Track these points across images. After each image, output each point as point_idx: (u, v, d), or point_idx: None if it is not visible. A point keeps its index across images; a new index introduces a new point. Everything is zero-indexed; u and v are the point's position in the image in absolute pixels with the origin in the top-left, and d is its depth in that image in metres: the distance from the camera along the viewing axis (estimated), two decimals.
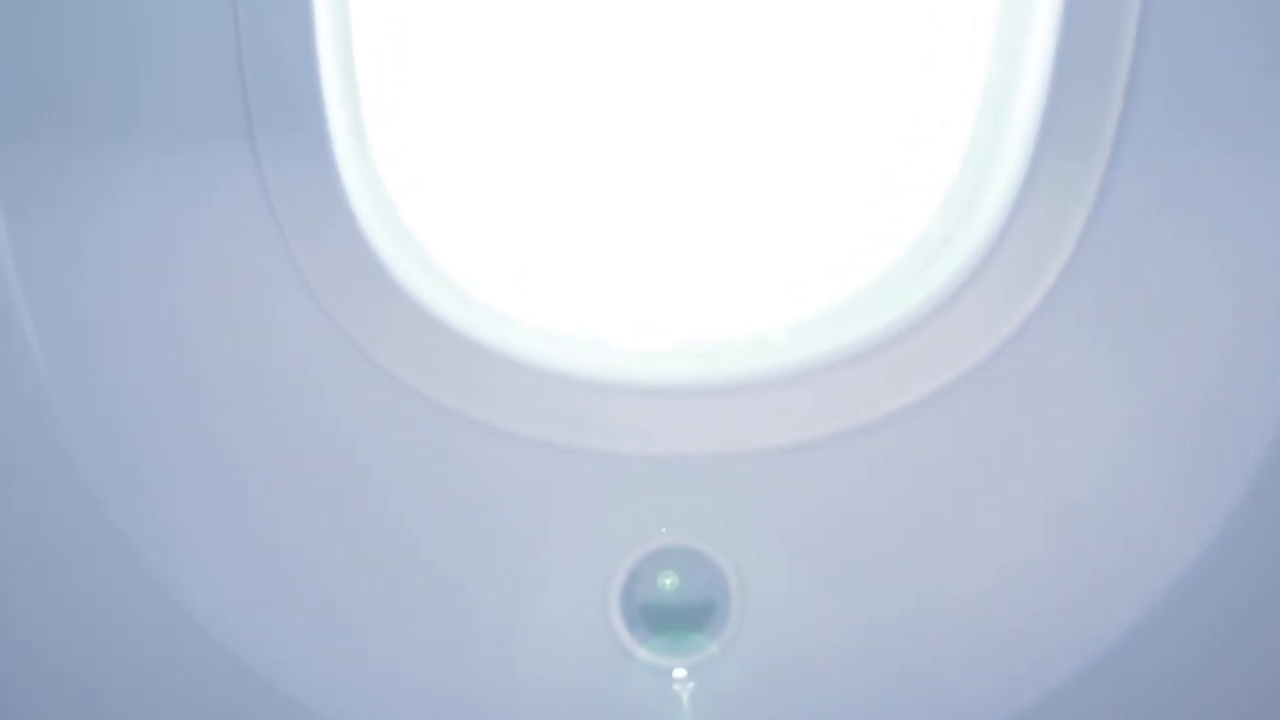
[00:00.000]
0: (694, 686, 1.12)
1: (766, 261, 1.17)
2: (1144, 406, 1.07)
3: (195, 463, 1.08)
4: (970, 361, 1.07)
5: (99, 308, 1.05)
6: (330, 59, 1.02)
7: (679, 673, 1.12)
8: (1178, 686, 1.10)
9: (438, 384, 1.07)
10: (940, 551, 1.11)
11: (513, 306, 1.13)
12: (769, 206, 1.15)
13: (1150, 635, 1.08)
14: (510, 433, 1.09)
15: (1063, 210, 1.03)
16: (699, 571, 1.12)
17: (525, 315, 1.13)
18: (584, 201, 1.15)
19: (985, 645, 1.11)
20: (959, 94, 1.10)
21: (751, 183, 1.15)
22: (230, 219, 1.03)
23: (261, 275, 1.04)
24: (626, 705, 1.12)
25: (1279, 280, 1.04)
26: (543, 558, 1.11)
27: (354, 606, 1.11)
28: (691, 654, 1.12)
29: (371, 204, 1.07)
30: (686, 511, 1.12)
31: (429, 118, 1.13)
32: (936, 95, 1.12)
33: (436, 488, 1.10)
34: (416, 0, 1.11)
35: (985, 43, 1.08)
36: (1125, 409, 1.08)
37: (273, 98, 1.00)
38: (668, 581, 1.11)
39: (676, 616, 1.12)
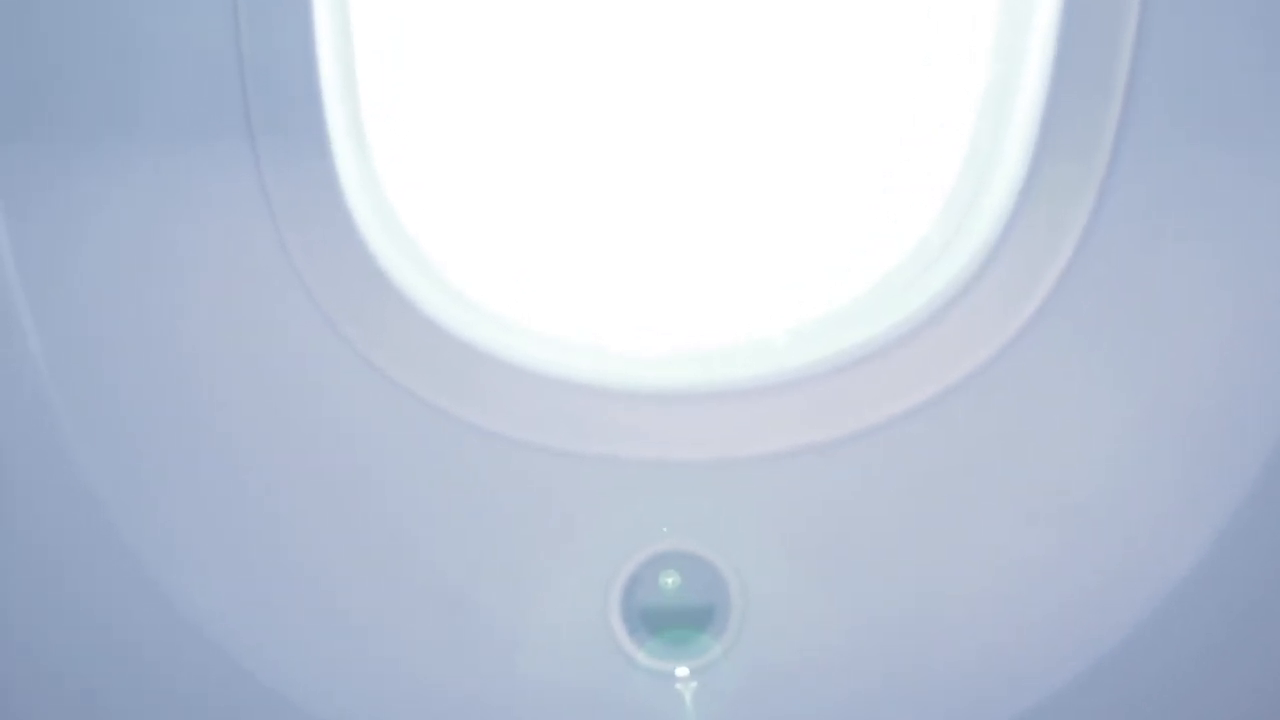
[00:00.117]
0: (695, 689, 1.12)
1: (766, 266, 1.17)
2: (1144, 410, 1.07)
3: (193, 463, 1.08)
4: (970, 366, 1.07)
5: (98, 307, 1.05)
6: (330, 60, 1.02)
7: (681, 672, 1.11)
8: (1177, 688, 1.10)
9: (436, 387, 1.07)
10: (940, 555, 1.11)
11: (511, 310, 1.14)
12: (769, 211, 1.15)
13: (1150, 638, 1.08)
14: (509, 437, 1.09)
15: (1062, 214, 1.03)
16: (699, 575, 1.12)
17: (524, 319, 1.14)
18: (583, 205, 1.15)
19: (985, 649, 1.11)
20: (958, 98, 1.10)
21: (751, 188, 1.15)
22: (228, 219, 1.03)
23: (259, 276, 1.04)
24: (626, 709, 1.12)
25: (1277, 282, 1.04)
26: (542, 562, 1.11)
27: (352, 609, 1.11)
28: (692, 657, 1.12)
29: (370, 206, 1.07)
30: (686, 516, 1.12)
31: (428, 119, 1.13)
32: (935, 99, 1.12)
33: (435, 491, 1.10)
34: (416, 1, 1.11)
35: (984, 46, 1.08)
36: (1125, 412, 1.08)
37: (272, 98, 1.00)
38: (670, 582, 1.11)
39: (677, 620, 1.12)
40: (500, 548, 1.11)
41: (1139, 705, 1.10)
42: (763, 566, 1.11)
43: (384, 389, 1.07)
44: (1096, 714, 1.11)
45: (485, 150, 1.14)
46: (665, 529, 1.11)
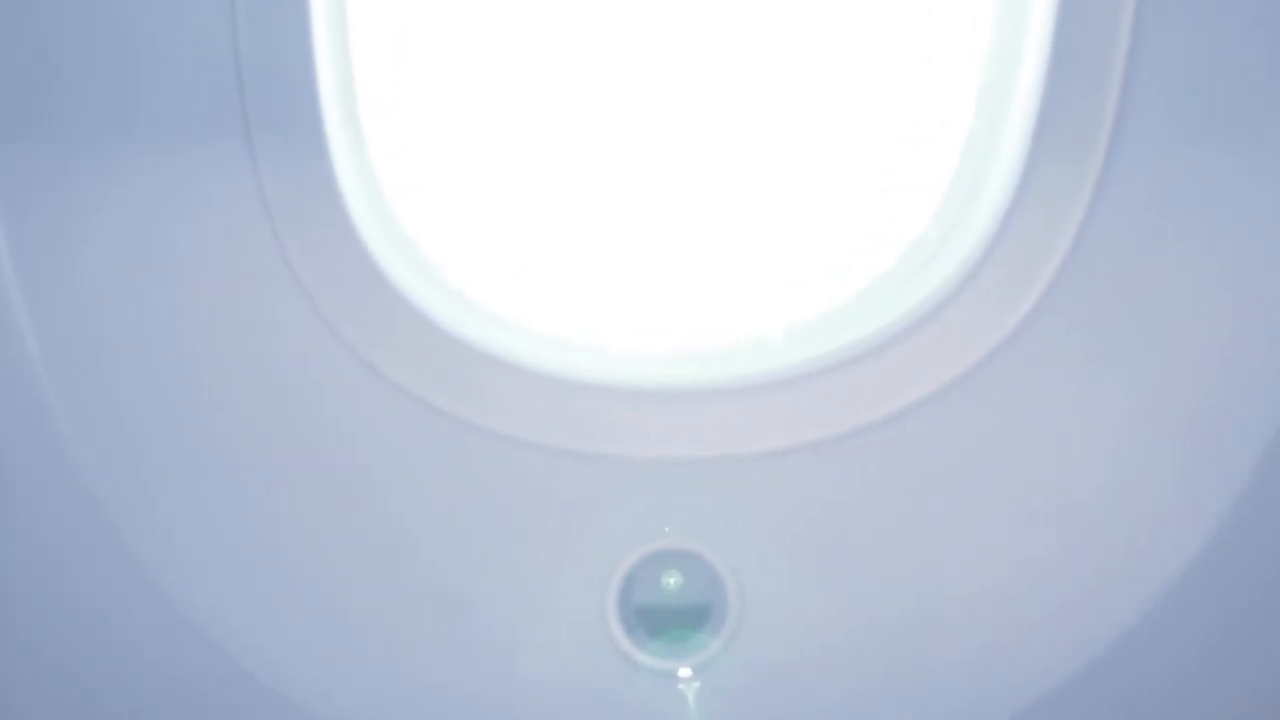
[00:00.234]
0: (692, 689, 1.12)
1: (764, 265, 1.17)
2: (1140, 408, 1.07)
3: (193, 463, 1.08)
4: (966, 364, 1.07)
5: (96, 308, 1.05)
6: (327, 60, 1.03)
7: (679, 671, 1.12)
8: (1175, 686, 1.10)
9: (434, 387, 1.08)
10: (938, 553, 1.11)
11: (508, 309, 1.14)
12: (766, 211, 1.15)
13: (1147, 636, 1.08)
14: (507, 436, 1.09)
15: (1058, 213, 1.03)
16: (697, 574, 1.12)
17: (521, 318, 1.14)
18: (582, 205, 1.15)
19: (982, 647, 1.11)
20: (954, 98, 1.10)
21: (748, 187, 1.15)
22: (226, 220, 1.03)
23: (257, 276, 1.04)
24: (623, 708, 1.12)
25: (1275, 280, 1.04)
26: (540, 561, 1.11)
27: (352, 608, 1.11)
28: (690, 656, 1.12)
29: (368, 206, 1.07)
30: (684, 514, 1.12)
31: (426, 119, 1.13)
32: (932, 99, 1.12)
33: (433, 490, 1.10)
34: (415, 0, 1.11)
35: (980, 46, 1.08)
36: (1122, 410, 1.08)
37: (269, 98, 1.00)
38: (667, 581, 1.11)
39: (674, 619, 1.12)
40: (497, 547, 1.11)
41: (1136, 703, 1.10)
42: (760, 565, 1.11)
43: (382, 389, 1.07)
44: (1095, 712, 1.11)
45: (484, 150, 1.14)
46: (667, 529, 1.11)
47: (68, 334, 1.05)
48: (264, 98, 1.00)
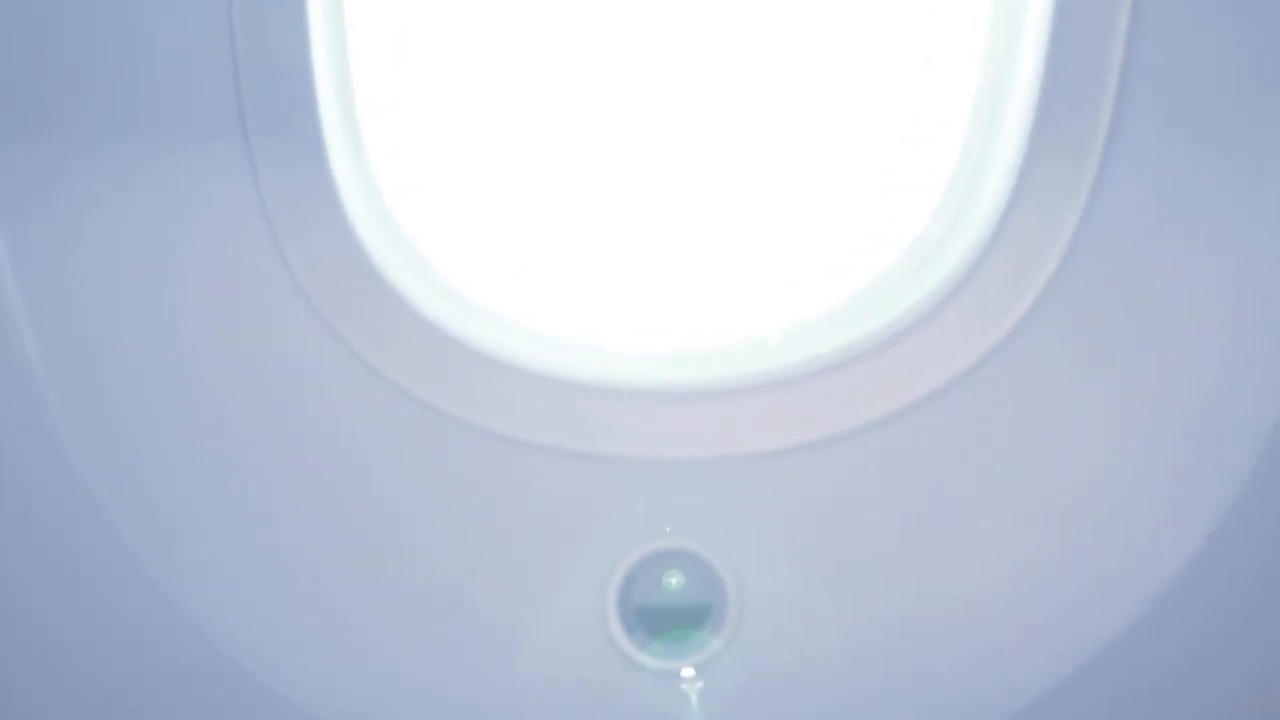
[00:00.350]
0: (692, 688, 1.12)
1: (763, 265, 1.17)
2: (1137, 408, 1.08)
3: (192, 463, 1.08)
4: (964, 363, 1.07)
5: (95, 309, 1.05)
6: (324, 62, 1.03)
7: (678, 671, 1.12)
8: (1172, 685, 1.10)
9: (432, 387, 1.08)
10: (937, 553, 1.11)
11: (508, 310, 1.14)
12: (765, 212, 1.16)
13: (1144, 636, 1.08)
14: (506, 436, 1.09)
15: (1055, 214, 1.03)
16: (697, 574, 1.12)
17: (520, 319, 1.14)
18: (580, 206, 1.16)
19: (981, 647, 1.11)
20: (951, 100, 1.11)
21: (747, 189, 1.15)
22: (224, 221, 1.03)
23: (256, 277, 1.04)
24: (623, 707, 1.12)
25: (1271, 282, 1.04)
26: (539, 561, 1.11)
27: (351, 608, 1.11)
28: (689, 656, 1.12)
29: (366, 207, 1.07)
30: (683, 514, 1.12)
31: (424, 120, 1.13)
32: (929, 101, 1.12)
33: (432, 491, 1.10)
34: (413, 2, 1.11)
35: (977, 49, 1.08)
36: (1119, 410, 1.08)
37: (267, 101, 1.00)
38: (671, 582, 1.12)
39: (674, 619, 1.12)
40: (497, 547, 1.11)
41: (1134, 703, 1.11)
42: (759, 565, 1.12)
43: (381, 389, 1.07)
44: (1093, 711, 1.11)
45: (482, 151, 1.14)
46: (668, 529, 1.11)
47: (67, 335, 1.05)
48: (262, 99, 1.00)
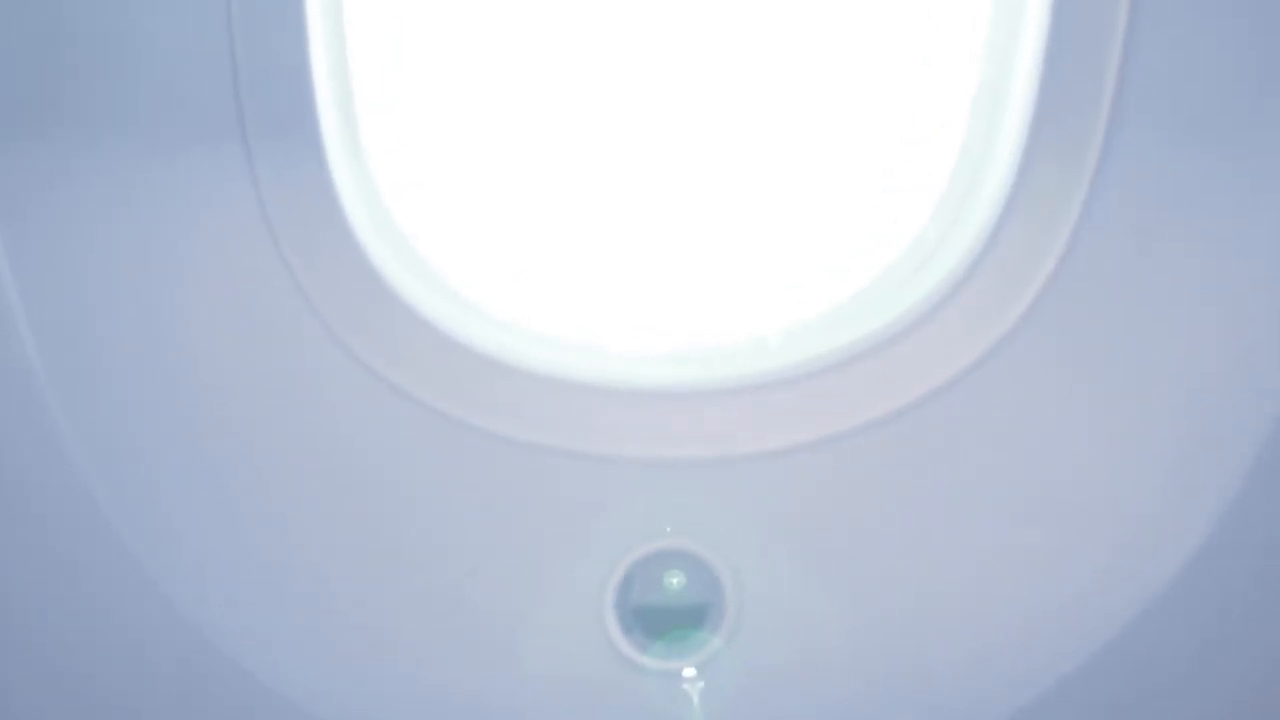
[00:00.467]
0: (690, 688, 1.12)
1: (762, 265, 1.17)
2: (1136, 407, 1.08)
3: (191, 464, 1.08)
4: (963, 363, 1.07)
5: (95, 311, 1.05)
6: (323, 62, 1.03)
7: (677, 671, 1.12)
8: (1170, 684, 1.11)
9: (431, 388, 1.08)
10: (935, 552, 1.11)
11: (507, 310, 1.14)
12: (764, 212, 1.16)
13: (1142, 635, 1.09)
14: (505, 437, 1.09)
15: (1052, 214, 1.03)
16: (695, 574, 1.12)
17: (520, 319, 1.14)
18: (579, 206, 1.15)
19: (980, 646, 1.12)
20: (949, 101, 1.11)
21: (746, 189, 1.15)
22: (224, 223, 1.03)
23: (255, 279, 1.05)
24: (621, 707, 1.13)
25: (1266, 282, 1.05)
26: (538, 561, 1.11)
27: (350, 609, 1.12)
28: (688, 657, 1.12)
29: (365, 209, 1.07)
30: (682, 514, 1.12)
31: (424, 122, 1.13)
32: (927, 103, 1.12)
33: (431, 491, 1.11)
34: (412, 3, 1.11)
35: (974, 52, 1.08)
36: (1117, 409, 1.08)
37: (266, 102, 1.00)
38: (670, 582, 1.12)
39: (673, 619, 1.12)
40: (496, 547, 1.11)
41: (1133, 702, 1.11)
42: (758, 565, 1.12)
43: (380, 390, 1.07)
44: (1092, 710, 1.11)
45: (481, 151, 1.14)
46: (668, 529, 1.11)
47: (67, 336, 1.05)
48: (261, 101, 1.00)
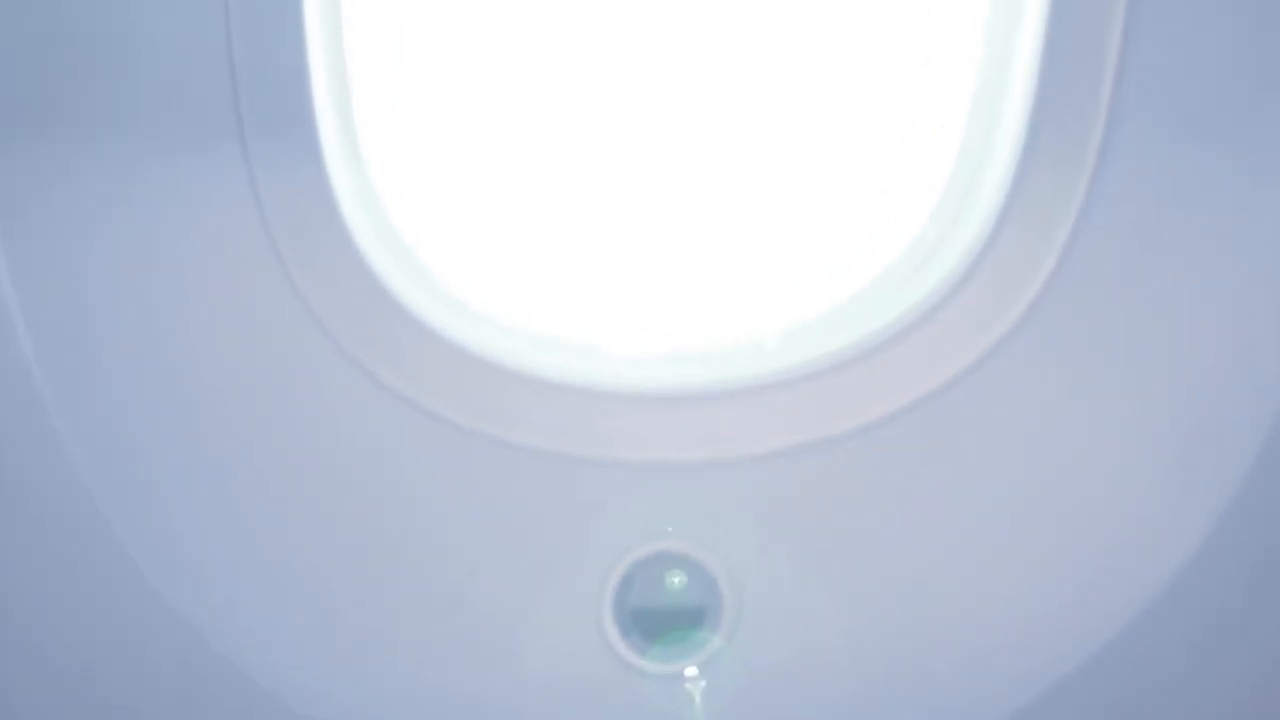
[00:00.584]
0: (688, 690, 1.12)
1: (760, 267, 1.17)
2: (1134, 409, 1.08)
3: (190, 466, 1.09)
4: (962, 365, 1.07)
5: (93, 313, 1.05)
6: (321, 66, 1.03)
7: (674, 673, 1.12)
8: (1170, 685, 1.11)
9: (428, 391, 1.08)
10: (934, 554, 1.11)
11: (505, 313, 1.14)
12: (762, 214, 1.16)
13: (1141, 637, 1.09)
14: (502, 440, 1.09)
15: (1051, 215, 1.03)
16: (693, 577, 1.12)
17: (517, 322, 1.14)
18: (576, 209, 1.15)
19: (979, 647, 1.12)
20: (947, 103, 1.10)
21: (744, 191, 1.15)
22: (221, 226, 1.03)
23: (253, 282, 1.05)
24: (619, 710, 1.13)
25: (1265, 283, 1.05)
26: (537, 564, 1.11)
27: (350, 611, 1.12)
28: (685, 659, 1.12)
29: (363, 212, 1.07)
30: (680, 517, 1.12)
31: (421, 124, 1.13)
32: (925, 104, 1.12)
33: (428, 494, 1.11)
34: (410, 6, 1.11)
35: (972, 54, 1.08)
36: (1115, 411, 1.08)
37: (264, 105, 1.00)
38: (667, 584, 1.12)
39: (671, 622, 1.12)
40: (495, 551, 1.11)
41: (1132, 702, 1.11)
42: (756, 567, 1.12)
43: (377, 393, 1.07)
44: (1091, 711, 1.11)
45: (479, 154, 1.14)
46: (670, 529, 1.11)
47: (65, 337, 1.05)
48: (259, 104, 1.00)
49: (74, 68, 0.99)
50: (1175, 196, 1.03)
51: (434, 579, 1.11)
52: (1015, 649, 1.11)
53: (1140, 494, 1.09)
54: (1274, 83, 1.01)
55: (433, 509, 1.11)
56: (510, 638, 1.12)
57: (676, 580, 1.12)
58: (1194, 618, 1.09)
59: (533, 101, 1.13)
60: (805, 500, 1.11)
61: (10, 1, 0.98)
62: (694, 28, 1.11)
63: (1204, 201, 1.04)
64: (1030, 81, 1.01)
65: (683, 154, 1.14)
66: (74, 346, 1.05)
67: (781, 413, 1.10)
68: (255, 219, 1.03)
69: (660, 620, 1.12)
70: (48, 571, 1.08)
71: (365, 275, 1.06)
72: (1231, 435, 1.06)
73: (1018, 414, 1.09)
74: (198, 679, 1.10)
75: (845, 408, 1.09)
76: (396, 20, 1.10)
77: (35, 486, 1.07)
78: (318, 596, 1.11)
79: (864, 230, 1.14)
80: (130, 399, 1.07)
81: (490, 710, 1.13)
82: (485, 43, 1.12)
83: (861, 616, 1.12)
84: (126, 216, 1.03)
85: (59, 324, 1.05)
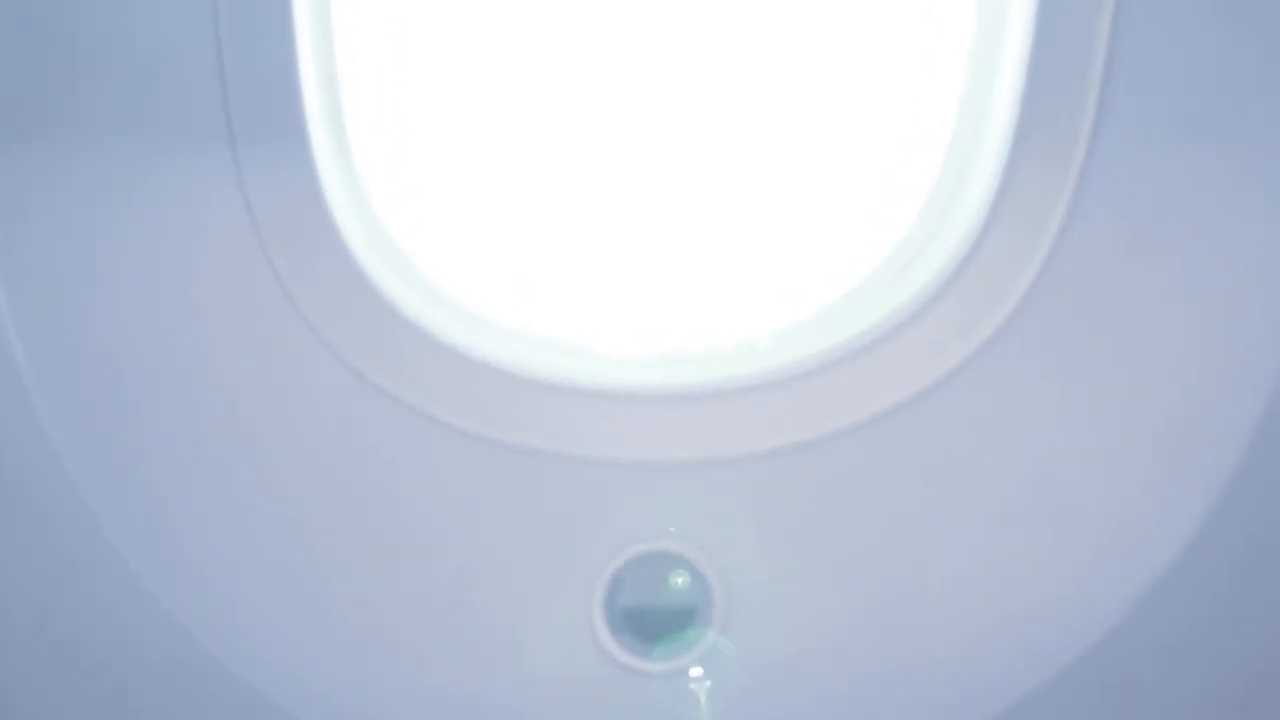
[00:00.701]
0: (679, 688, 1.12)
1: (749, 269, 1.17)
2: (1119, 410, 1.08)
3: (185, 469, 1.09)
4: (947, 367, 1.08)
5: (83, 316, 1.05)
6: (311, 68, 1.03)
7: (665, 671, 1.12)
8: (1158, 684, 1.11)
9: (421, 392, 1.08)
10: (918, 556, 1.12)
11: (496, 314, 1.14)
12: (752, 216, 1.16)
13: (1128, 636, 1.09)
14: (495, 439, 1.09)
15: (1038, 217, 1.04)
16: (684, 576, 1.12)
17: (509, 322, 1.14)
18: (568, 210, 1.16)
19: (965, 648, 1.12)
20: (934, 106, 1.11)
21: (734, 194, 1.15)
22: (212, 229, 1.04)
23: (243, 284, 1.05)
24: (610, 708, 1.13)
25: (1249, 286, 1.05)
26: (529, 563, 1.12)
27: (346, 614, 1.12)
28: (677, 658, 1.12)
29: (353, 213, 1.08)
30: (670, 516, 1.12)
31: (412, 126, 1.13)
32: (912, 108, 1.12)
33: (420, 494, 1.11)
34: (400, 8, 1.11)
35: (958, 59, 1.09)
36: (1101, 412, 1.09)
37: (254, 108, 1.00)
38: (659, 583, 1.12)
39: (661, 620, 1.12)
40: (488, 551, 1.12)
41: (1118, 703, 1.12)
42: (746, 566, 1.12)
43: (369, 394, 1.08)
44: (1077, 711, 1.12)
45: (470, 155, 1.14)
46: (658, 530, 1.11)
47: (56, 341, 1.05)
48: (249, 108, 1.00)
49: (63, 71, 1.00)
50: (1162, 199, 1.04)
51: (428, 579, 1.11)
52: (1002, 650, 1.12)
53: (1127, 494, 1.10)
54: (1261, 85, 1.02)
55: (426, 509, 1.11)
56: (504, 638, 1.12)
57: (668, 579, 1.12)
58: (1180, 618, 1.10)
59: (525, 104, 1.13)
60: (795, 499, 1.12)
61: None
62: (686, 37, 1.12)
63: (1190, 205, 1.04)
64: (1016, 86, 1.02)
65: (675, 157, 1.14)
66: (65, 349, 1.05)
67: (773, 412, 1.10)
68: (245, 221, 1.03)
69: (653, 619, 1.12)
70: (41, 574, 1.08)
71: (356, 277, 1.06)
72: (1216, 438, 1.07)
73: (1005, 414, 1.10)
74: (196, 678, 1.10)
75: (835, 407, 1.10)
76: (386, 22, 1.11)
77: (27, 488, 1.07)
78: (313, 598, 1.12)
79: (852, 233, 1.15)
80: (122, 400, 1.07)
81: (481, 712, 1.13)
82: (477, 45, 1.12)
83: (851, 617, 1.12)
84: (116, 219, 1.04)
85: (49, 326, 1.05)
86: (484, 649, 1.12)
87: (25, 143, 1.01)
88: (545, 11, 1.11)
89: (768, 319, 1.15)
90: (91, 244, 1.04)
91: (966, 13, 1.08)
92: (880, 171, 1.14)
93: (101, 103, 1.01)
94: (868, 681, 1.13)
